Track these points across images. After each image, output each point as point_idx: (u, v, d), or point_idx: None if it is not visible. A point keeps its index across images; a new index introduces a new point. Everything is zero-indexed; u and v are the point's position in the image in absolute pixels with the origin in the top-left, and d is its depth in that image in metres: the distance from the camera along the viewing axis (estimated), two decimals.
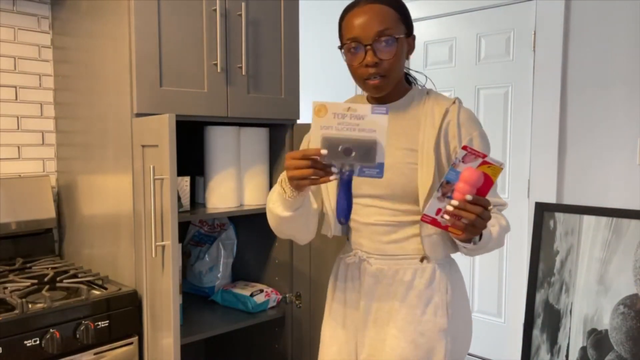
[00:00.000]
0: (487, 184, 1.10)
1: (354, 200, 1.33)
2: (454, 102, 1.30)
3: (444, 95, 1.34)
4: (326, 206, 1.38)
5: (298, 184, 1.10)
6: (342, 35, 1.30)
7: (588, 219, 2.24)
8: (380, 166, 1.07)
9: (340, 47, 1.30)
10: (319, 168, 1.07)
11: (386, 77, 1.25)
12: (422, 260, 1.30)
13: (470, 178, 1.08)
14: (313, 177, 1.08)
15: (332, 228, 1.38)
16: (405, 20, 1.28)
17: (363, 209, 1.34)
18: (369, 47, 1.22)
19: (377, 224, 1.32)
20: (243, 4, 1.72)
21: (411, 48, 1.31)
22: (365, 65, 1.23)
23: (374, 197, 1.31)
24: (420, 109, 1.31)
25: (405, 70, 1.39)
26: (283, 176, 1.18)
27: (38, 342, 1.37)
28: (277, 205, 1.22)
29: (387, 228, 1.31)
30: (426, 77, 1.46)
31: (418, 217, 1.27)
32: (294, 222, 1.25)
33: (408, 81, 1.42)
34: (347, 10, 1.28)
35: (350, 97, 1.48)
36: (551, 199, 2.70)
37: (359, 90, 3.59)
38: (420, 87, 1.39)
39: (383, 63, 1.23)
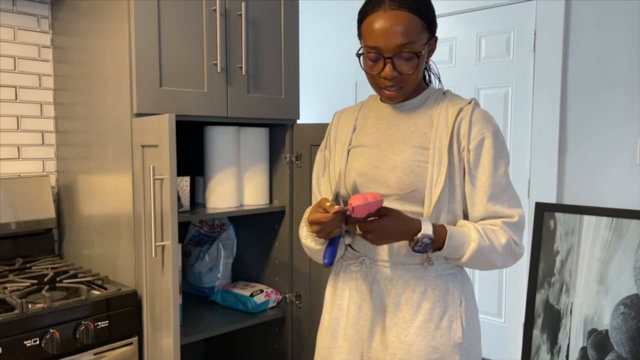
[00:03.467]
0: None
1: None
2: (469, 102, 1.26)
3: (460, 96, 1.30)
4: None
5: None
6: (362, 38, 1.24)
7: (588, 219, 2.24)
8: None
9: (359, 54, 1.25)
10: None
11: (403, 88, 1.23)
12: (425, 263, 1.25)
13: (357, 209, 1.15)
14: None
15: (345, 238, 1.34)
16: (430, 25, 1.22)
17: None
18: (388, 60, 1.18)
19: None
20: (243, 4, 1.72)
21: (432, 49, 1.27)
22: (383, 77, 1.21)
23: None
24: (434, 108, 1.28)
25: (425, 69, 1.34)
26: (306, 218, 1.26)
27: (38, 342, 1.37)
28: (309, 241, 1.32)
29: None
30: (439, 77, 1.41)
31: None
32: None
33: (425, 78, 1.37)
34: (368, 11, 1.21)
35: (362, 100, 1.44)
36: (551, 199, 2.70)
37: (358, 90, 3.60)
38: (437, 88, 1.35)
39: (402, 76, 1.20)
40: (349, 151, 1.34)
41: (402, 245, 1.26)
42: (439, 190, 1.20)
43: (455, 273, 1.28)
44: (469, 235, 1.20)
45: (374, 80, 1.24)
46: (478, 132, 1.23)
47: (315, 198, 1.41)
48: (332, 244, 1.25)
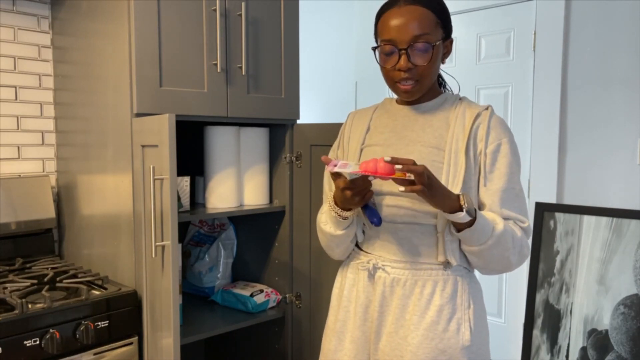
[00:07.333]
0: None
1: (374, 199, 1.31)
2: (486, 108, 1.28)
3: (476, 103, 1.32)
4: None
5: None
6: (377, 35, 1.27)
7: (588, 219, 2.23)
8: None
9: (374, 48, 1.27)
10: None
11: (418, 82, 1.24)
12: (444, 265, 1.24)
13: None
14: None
15: (358, 234, 1.34)
16: (444, 23, 1.25)
17: (382, 209, 1.28)
18: (403, 51, 1.21)
19: (396, 224, 1.26)
20: (243, 4, 1.72)
21: (448, 51, 1.29)
22: (398, 69, 1.22)
23: (395, 195, 1.25)
24: (451, 112, 1.29)
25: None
26: (330, 200, 1.28)
27: (38, 342, 1.37)
28: (329, 226, 1.32)
29: (406, 232, 1.26)
30: (458, 84, 1.43)
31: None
32: (345, 238, 1.32)
33: (440, 84, 1.39)
34: (385, 9, 1.25)
35: (376, 103, 1.44)
36: (551, 199, 2.70)
37: (359, 90, 3.59)
38: (453, 93, 1.37)
39: (417, 68, 1.22)
40: (362, 150, 1.35)
41: (410, 243, 1.26)
42: (456, 192, 1.20)
43: (464, 275, 1.27)
44: (494, 218, 1.20)
45: (389, 75, 1.26)
46: (496, 137, 1.24)
47: (327, 196, 1.40)
48: (369, 207, 1.25)
